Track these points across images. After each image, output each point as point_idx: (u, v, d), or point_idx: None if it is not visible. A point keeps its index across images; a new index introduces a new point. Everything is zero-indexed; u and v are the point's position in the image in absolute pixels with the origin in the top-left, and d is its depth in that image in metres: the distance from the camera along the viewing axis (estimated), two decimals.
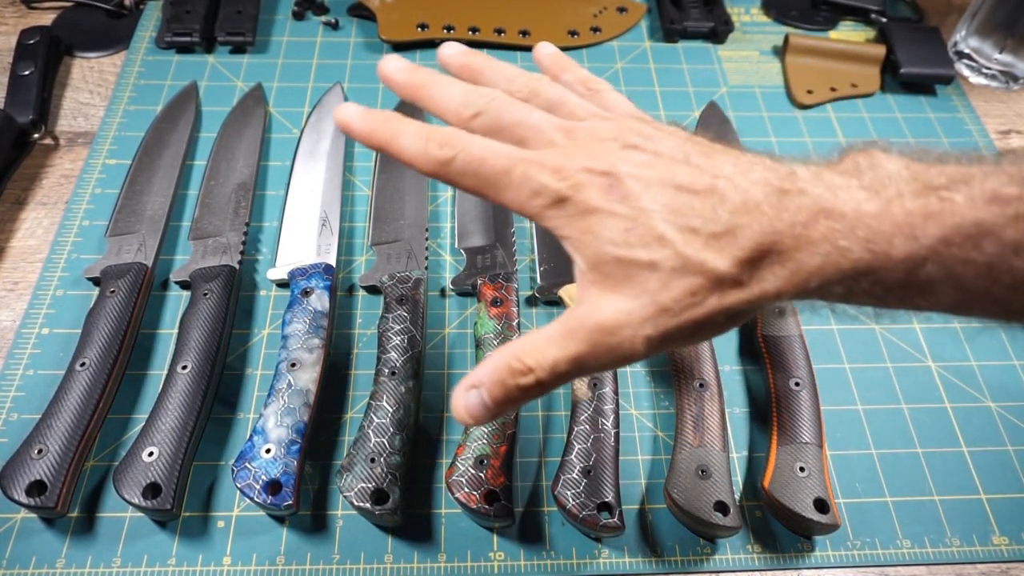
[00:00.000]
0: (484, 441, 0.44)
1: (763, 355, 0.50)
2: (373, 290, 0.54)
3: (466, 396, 0.30)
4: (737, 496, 0.46)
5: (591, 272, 0.30)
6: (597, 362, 0.29)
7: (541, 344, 0.30)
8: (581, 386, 0.47)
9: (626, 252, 0.29)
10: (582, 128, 0.32)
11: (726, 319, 0.29)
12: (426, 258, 0.55)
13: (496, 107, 0.33)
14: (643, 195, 0.29)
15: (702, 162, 0.30)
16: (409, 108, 0.66)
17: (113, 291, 0.50)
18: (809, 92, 0.70)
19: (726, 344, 0.53)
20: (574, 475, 0.43)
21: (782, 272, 0.27)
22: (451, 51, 0.38)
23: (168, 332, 0.52)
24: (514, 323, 0.50)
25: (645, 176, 0.29)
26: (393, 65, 0.36)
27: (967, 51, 0.73)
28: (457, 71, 0.38)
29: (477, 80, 0.36)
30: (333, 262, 0.54)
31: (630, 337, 0.28)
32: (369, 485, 0.42)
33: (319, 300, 0.50)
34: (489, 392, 0.30)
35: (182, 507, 0.44)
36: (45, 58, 0.67)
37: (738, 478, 0.47)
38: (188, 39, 0.70)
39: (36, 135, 0.63)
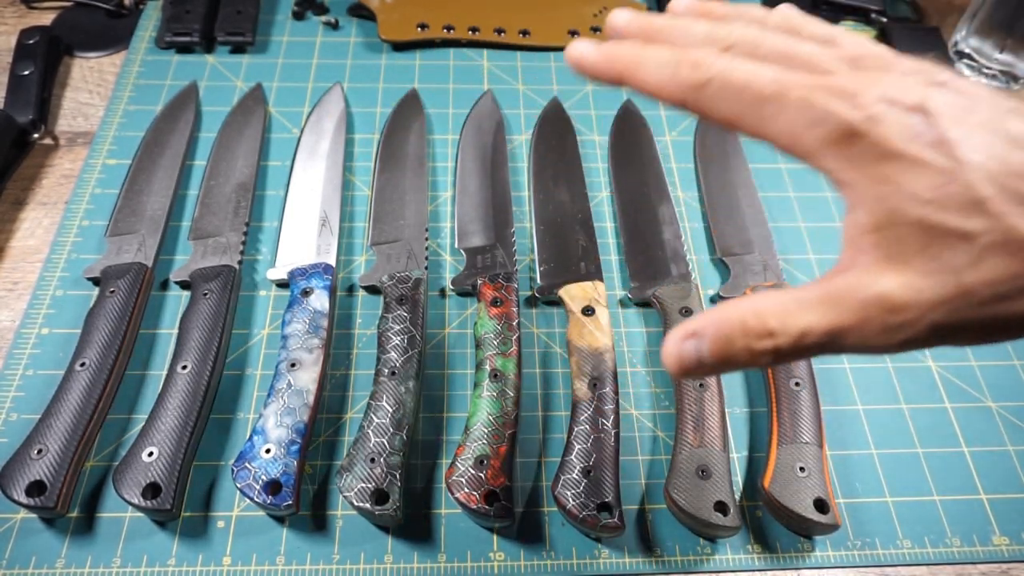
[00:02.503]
0: (484, 441, 0.44)
1: None
2: (373, 290, 0.54)
3: (681, 345, 0.26)
4: (737, 496, 0.46)
5: (875, 234, 0.24)
6: (859, 340, 0.24)
7: (791, 307, 0.25)
8: (581, 386, 0.47)
9: (934, 215, 0.23)
10: (870, 56, 0.26)
11: None
12: (426, 258, 0.55)
13: (752, 37, 0.28)
14: (964, 142, 0.23)
15: None
16: (413, 99, 0.66)
17: (113, 291, 0.50)
18: None
19: None
20: (574, 475, 0.43)
21: None
22: (680, 5, 0.32)
23: (168, 332, 0.52)
24: (514, 323, 0.50)
25: (966, 120, 0.23)
26: (621, 18, 0.31)
27: (967, 51, 0.73)
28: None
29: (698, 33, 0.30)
30: (333, 262, 0.54)
31: (914, 320, 0.23)
32: (369, 485, 0.42)
33: (319, 300, 0.50)
34: (711, 347, 0.25)
35: (182, 507, 0.44)
36: (45, 58, 0.67)
37: (738, 478, 0.47)
38: (188, 39, 0.70)
39: (36, 135, 0.63)
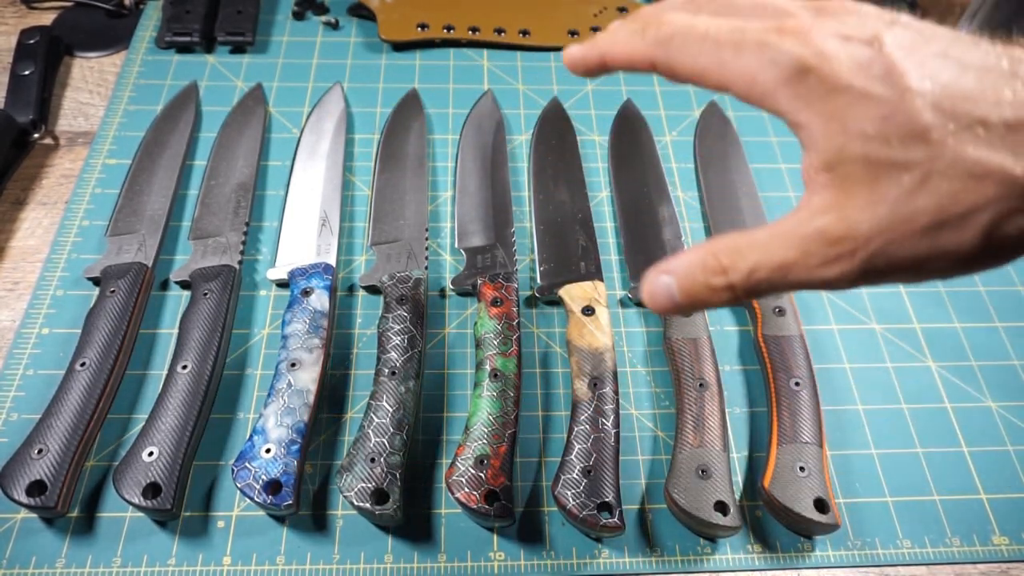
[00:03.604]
0: (484, 441, 0.44)
1: (763, 355, 0.50)
2: (373, 290, 0.54)
3: (655, 280, 0.28)
4: (737, 496, 0.46)
5: (827, 173, 0.25)
6: (804, 274, 0.25)
7: (742, 245, 0.26)
8: (581, 386, 0.47)
9: (877, 150, 0.23)
10: (836, 3, 0.27)
11: (991, 253, 0.23)
12: (426, 258, 0.55)
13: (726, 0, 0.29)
14: (913, 72, 0.23)
15: (994, 47, 0.24)
16: (413, 99, 0.66)
17: (113, 291, 0.50)
18: None
19: (726, 344, 0.53)
20: (574, 475, 0.43)
21: None
22: None
23: (168, 332, 0.52)
24: (514, 323, 0.50)
25: (919, 51, 0.24)
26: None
27: None
28: None
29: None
30: (333, 262, 0.54)
31: (849, 252, 0.24)
32: (369, 485, 0.42)
33: (319, 300, 0.50)
34: (679, 283, 0.27)
35: (182, 507, 0.44)
36: (45, 58, 0.67)
37: (738, 478, 0.47)
38: (188, 39, 0.70)
39: (36, 135, 0.63)
